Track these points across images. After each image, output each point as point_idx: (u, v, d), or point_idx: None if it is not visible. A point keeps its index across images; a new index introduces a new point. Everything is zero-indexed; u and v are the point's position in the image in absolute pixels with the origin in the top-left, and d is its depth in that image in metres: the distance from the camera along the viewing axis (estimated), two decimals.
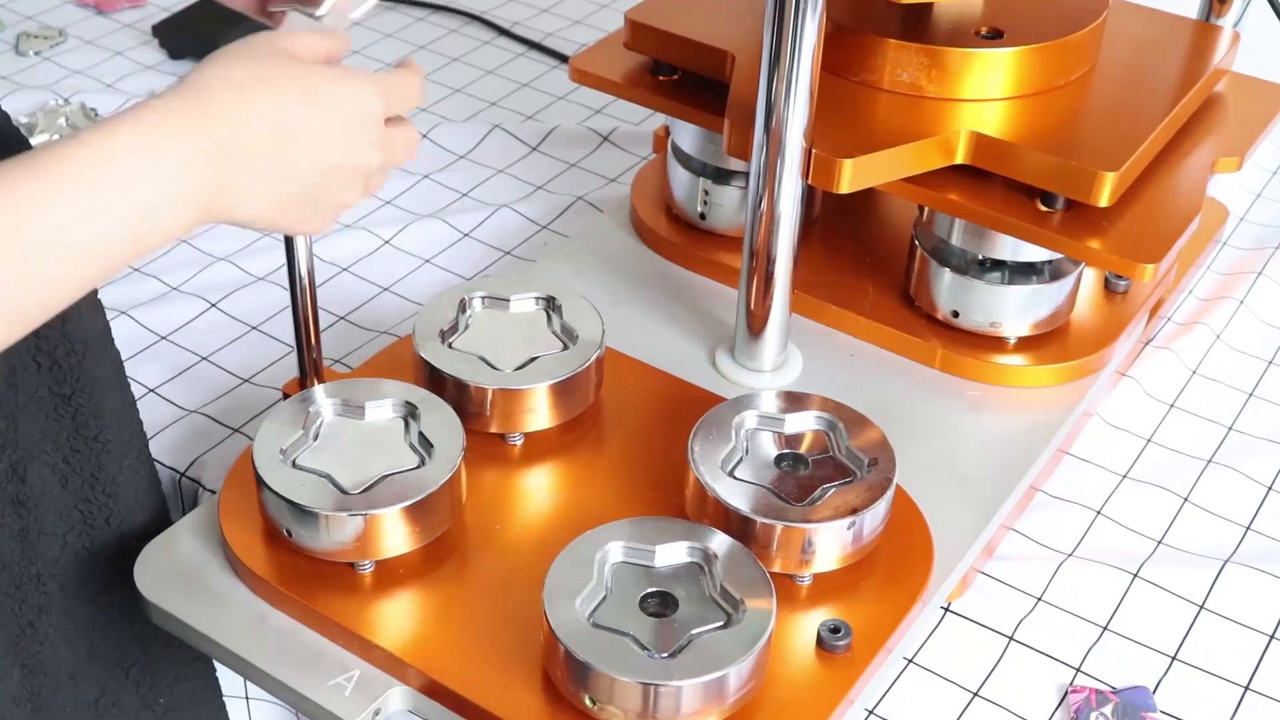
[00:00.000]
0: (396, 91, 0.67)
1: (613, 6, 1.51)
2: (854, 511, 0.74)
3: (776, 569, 0.74)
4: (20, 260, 0.52)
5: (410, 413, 0.79)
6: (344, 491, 0.75)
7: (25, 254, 0.52)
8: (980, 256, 0.92)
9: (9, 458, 0.73)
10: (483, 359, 0.84)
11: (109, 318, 0.79)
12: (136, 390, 0.95)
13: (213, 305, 1.05)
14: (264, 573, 0.75)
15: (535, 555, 0.75)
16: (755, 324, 0.90)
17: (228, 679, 0.80)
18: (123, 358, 0.80)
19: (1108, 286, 0.99)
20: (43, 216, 0.52)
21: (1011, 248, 0.90)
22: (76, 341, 0.75)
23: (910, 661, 0.79)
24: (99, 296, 0.77)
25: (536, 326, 0.88)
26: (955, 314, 0.93)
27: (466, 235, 1.13)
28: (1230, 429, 0.96)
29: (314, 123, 0.62)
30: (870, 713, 0.76)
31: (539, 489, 0.83)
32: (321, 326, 0.85)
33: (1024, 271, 0.92)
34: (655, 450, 0.84)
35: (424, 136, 1.24)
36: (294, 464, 0.76)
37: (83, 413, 0.77)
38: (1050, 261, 0.92)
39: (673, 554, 0.72)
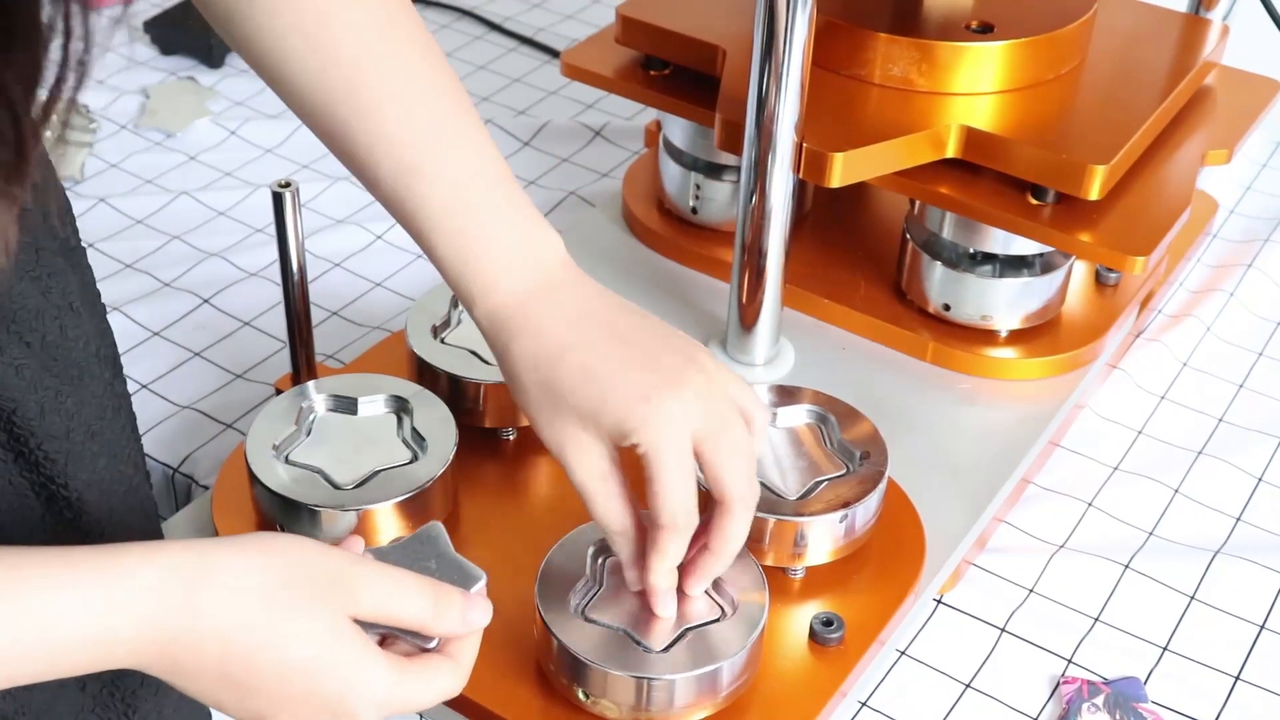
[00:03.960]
0: (419, 700, 0.58)
1: (604, 1, 1.51)
2: (846, 504, 0.74)
3: (769, 562, 0.74)
4: None
5: (403, 408, 0.80)
6: (337, 487, 0.75)
7: None
8: (971, 250, 0.92)
9: None
10: (475, 354, 0.84)
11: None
12: (129, 387, 0.95)
13: (205, 301, 1.05)
14: None
15: (528, 549, 0.75)
16: (747, 318, 0.91)
17: None
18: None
19: (1098, 279, 0.99)
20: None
21: (1002, 241, 0.90)
22: None
23: (903, 654, 0.79)
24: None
25: None
26: (947, 307, 0.94)
27: None
28: (1220, 420, 0.97)
29: (277, 701, 0.55)
30: (863, 705, 0.76)
31: (531, 483, 0.83)
32: (314, 322, 0.85)
33: (1015, 265, 0.92)
34: None
35: None
36: (287, 460, 0.76)
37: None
38: (1041, 254, 0.92)
39: None
